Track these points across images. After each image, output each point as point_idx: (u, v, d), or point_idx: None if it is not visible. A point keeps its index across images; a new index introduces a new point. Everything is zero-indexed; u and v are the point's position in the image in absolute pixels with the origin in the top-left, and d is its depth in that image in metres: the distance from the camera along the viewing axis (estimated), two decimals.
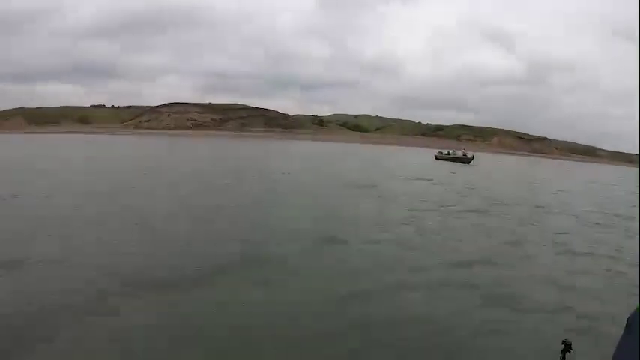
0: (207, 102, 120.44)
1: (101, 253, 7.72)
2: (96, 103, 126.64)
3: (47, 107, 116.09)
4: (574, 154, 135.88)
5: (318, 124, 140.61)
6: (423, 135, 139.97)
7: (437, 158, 50.65)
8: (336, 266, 7.76)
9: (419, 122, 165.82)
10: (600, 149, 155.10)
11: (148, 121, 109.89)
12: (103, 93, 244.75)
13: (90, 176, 19.21)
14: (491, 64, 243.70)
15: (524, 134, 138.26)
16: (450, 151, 52.41)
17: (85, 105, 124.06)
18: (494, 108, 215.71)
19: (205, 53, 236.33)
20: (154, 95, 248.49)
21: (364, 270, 7.53)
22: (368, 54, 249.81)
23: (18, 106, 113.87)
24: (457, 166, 41.27)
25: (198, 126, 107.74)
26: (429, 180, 25.11)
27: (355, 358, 4.69)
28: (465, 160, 47.74)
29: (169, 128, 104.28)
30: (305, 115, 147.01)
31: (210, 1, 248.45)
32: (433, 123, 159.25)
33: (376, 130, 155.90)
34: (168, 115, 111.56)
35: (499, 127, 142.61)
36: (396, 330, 5.24)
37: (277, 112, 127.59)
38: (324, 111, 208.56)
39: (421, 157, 53.06)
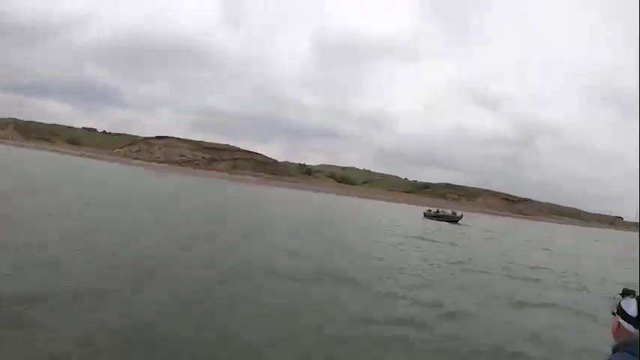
0: (200, 139, 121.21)
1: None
2: (88, 126, 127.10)
3: (39, 122, 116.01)
4: (558, 216, 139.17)
5: (306, 173, 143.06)
6: (409, 192, 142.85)
7: (425, 216, 50.44)
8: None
9: (405, 178, 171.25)
10: (584, 212, 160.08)
11: (138, 152, 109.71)
12: (95, 117, 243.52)
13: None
14: (479, 125, 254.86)
15: (509, 195, 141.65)
16: (439, 210, 52.59)
17: (76, 126, 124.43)
18: (481, 168, 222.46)
19: (201, 91, 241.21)
20: (146, 126, 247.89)
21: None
22: (360, 107, 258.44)
23: (9, 116, 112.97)
24: (446, 225, 41.76)
25: (187, 162, 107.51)
26: (432, 240, 24.61)
27: None
28: (454, 219, 47.67)
29: (159, 161, 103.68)
30: (293, 163, 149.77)
31: (212, 40, 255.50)
32: (420, 180, 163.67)
33: (363, 183, 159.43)
34: (159, 148, 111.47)
35: (485, 187, 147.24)
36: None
37: (267, 157, 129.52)
38: (312, 159, 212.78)
39: (410, 214, 53.01)
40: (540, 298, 11.95)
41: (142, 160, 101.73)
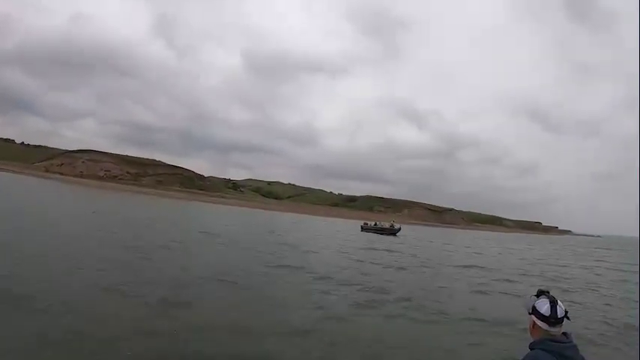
0: (125, 154, 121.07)
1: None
2: (4, 137, 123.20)
3: None
4: (480, 224, 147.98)
5: (232, 188, 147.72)
6: (335, 205, 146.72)
7: (362, 229, 50.26)
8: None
9: (330, 192, 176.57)
10: (505, 219, 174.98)
11: (60, 166, 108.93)
12: (13, 126, 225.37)
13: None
14: (404, 139, 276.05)
15: (433, 205, 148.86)
16: (377, 223, 52.99)
17: None
18: (407, 180, 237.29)
19: (127, 103, 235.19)
20: (67, 138, 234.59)
21: None
22: (287, 122, 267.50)
23: None
24: (386, 237, 41.34)
25: (112, 177, 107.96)
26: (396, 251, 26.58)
27: None
28: (392, 232, 47.89)
29: (81, 176, 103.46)
30: (219, 178, 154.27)
31: (140, 52, 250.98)
32: (346, 194, 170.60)
33: (289, 197, 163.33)
34: (83, 162, 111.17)
35: (410, 199, 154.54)
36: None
37: (193, 172, 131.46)
38: (238, 174, 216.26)
39: (344, 228, 52.08)
40: None
41: (65, 174, 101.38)
